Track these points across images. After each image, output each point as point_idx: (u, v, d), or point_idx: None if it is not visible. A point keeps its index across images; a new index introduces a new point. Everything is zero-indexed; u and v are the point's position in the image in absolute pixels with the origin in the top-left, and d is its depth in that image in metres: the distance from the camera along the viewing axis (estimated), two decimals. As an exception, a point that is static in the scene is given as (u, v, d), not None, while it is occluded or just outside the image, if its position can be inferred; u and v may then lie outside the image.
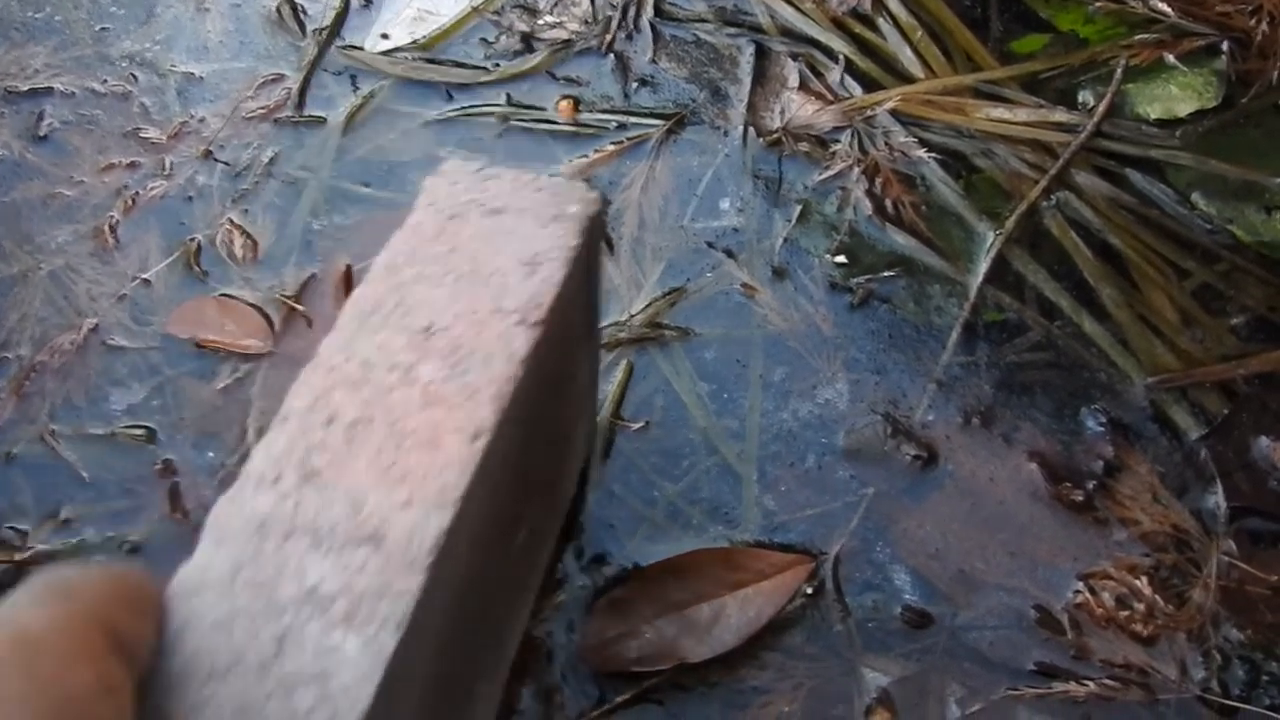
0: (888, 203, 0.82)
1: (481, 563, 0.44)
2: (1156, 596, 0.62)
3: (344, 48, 1.00)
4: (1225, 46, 0.89)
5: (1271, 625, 0.61)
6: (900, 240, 0.80)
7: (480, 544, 0.44)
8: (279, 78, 0.99)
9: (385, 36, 1.02)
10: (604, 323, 0.78)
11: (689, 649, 0.60)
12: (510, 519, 0.49)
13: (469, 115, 0.93)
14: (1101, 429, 0.70)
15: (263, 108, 0.97)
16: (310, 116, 0.95)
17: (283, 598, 0.35)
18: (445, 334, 0.43)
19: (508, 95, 0.94)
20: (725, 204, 0.84)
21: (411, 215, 0.49)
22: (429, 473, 0.39)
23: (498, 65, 0.96)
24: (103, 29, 1.00)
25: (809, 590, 0.62)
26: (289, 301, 0.81)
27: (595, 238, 0.51)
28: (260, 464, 0.39)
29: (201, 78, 1.00)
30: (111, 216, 0.88)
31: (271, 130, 0.95)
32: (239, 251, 0.85)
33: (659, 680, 0.60)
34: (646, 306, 0.78)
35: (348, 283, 0.83)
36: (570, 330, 0.51)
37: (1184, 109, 0.85)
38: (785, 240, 0.81)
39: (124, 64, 1.02)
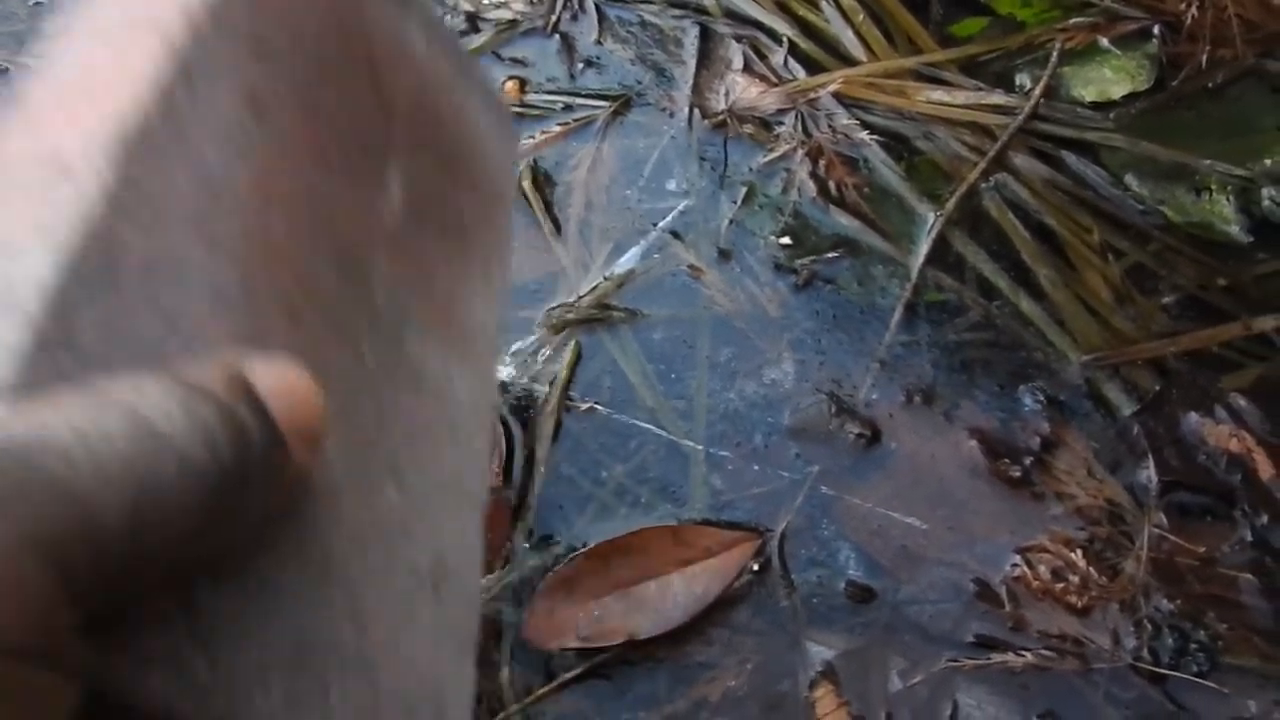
0: (831, 185, 0.83)
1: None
2: (1090, 569, 0.64)
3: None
4: (1157, 30, 0.91)
5: (1200, 595, 0.63)
6: (844, 222, 0.81)
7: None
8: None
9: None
10: (552, 304, 0.78)
11: (637, 625, 0.60)
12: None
13: (413, 95, 0.92)
14: (1038, 406, 0.71)
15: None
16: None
17: None
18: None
19: (452, 75, 0.93)
20: (671, 185, 0.84)
21: None
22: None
23: (442, 45, 0.95)
24: (37, 3, 0.97)
25: (755, 567, 0.63)
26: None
27: None
28: None
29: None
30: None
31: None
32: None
33: (607, 656, 0.61)
34: (594, 288, 0.78)
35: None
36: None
37: (1118, 91, 0.87)
38: (731, 222, 0.81)
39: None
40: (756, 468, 0.69)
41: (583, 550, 0.64)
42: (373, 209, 0.35)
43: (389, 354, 0.34)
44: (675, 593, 0.61)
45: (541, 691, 0.60)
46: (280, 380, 0.20)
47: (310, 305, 0.31)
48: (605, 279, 0.79)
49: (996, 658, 0.60)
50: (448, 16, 0.97)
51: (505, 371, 0.75)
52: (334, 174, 0.34)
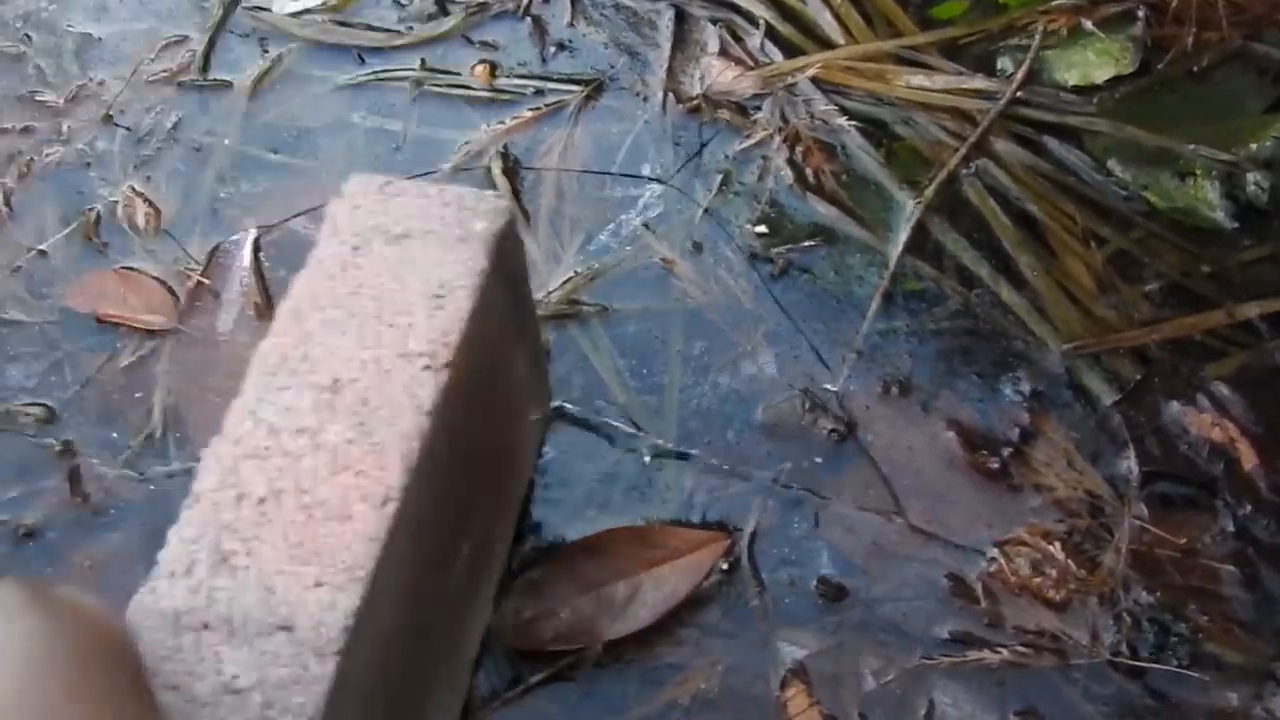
0: (808, 172, 0.81)
1: (414, 599, 0.45)
2: (1069, 561, 0.63)
3: (250, 9, 0.96)
4: (1142, 13, 0.89)
5: (1180, 587, 0.62)
6: (821, 210, 0.79)
7: (411, 586, 0.44)
8: (182, 40, 0.95)
9: (294, -2, 0.98)
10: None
11: (605, 627, 0.59)
12: (450, 540, 0.49)
13: (381, 80, 0.90)
14: (1018, 396, 0.70)
15: (165, 71, 0.92)
16: (216, 80, 0.91)
17: (201, 694, 0.35)
18: (352, 388, 0.43)
19: (422, 60, 0.91)
20: (645, 172, 0.82)
21: (315, 249, 0.48)
22: (338, 548, 0.39)
23: (411, 28, 0.93)
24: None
25: (724, 566, 0.62)
26: (194, 274, 0.78)
27: (508, 252, 0.51)
28: (173, 553, 0.39)
29: (100, 39, 0.95)
30: (5, 184, 0.84)
31: (175, 94, 0.91)
32: (141, 221, 0.82)
33: (575, 659, 0.59)
34: (565, 282, 0.77)
35: (256, 252, 0.79)
36: (494, 340, 0.51)
37: (1101, 75, 0.85)
38: (706, 211, 0.80)
39: (17, 24, 0.96)
40: (728, 465, 0.67)
41: (551, 552, 0.63)
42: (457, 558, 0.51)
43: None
44: (644, 593, 0.59)
45: (508, 695, 0.59)
46: None
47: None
48: (576, 273, 0.77)
49: (972, 655, 0.59)
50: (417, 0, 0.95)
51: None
52: (462, 527, 0.50)
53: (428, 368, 0.44)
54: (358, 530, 0.39)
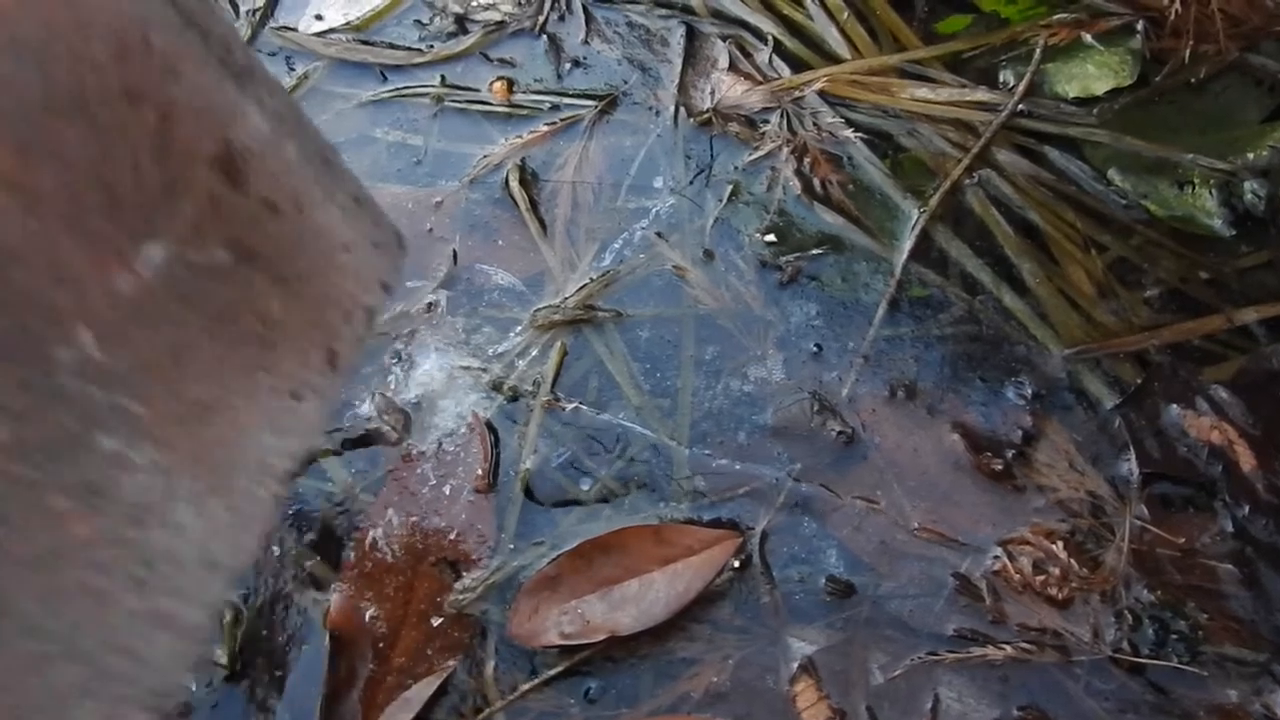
0: (816, 182, 0.83)
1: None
2: (1072, 560, 0.64)
3: (278, 29, 0.99)
4: (1141, 26, 0.91)
5: (1180, 586, 0.64)
6: (828, 219, 0.81)
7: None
8: (207, 60, 0.98)
9: (319, 17, 1.01)
10: (538, 304, 0.79)
11: (619, 623, 0.61)
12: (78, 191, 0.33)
13: (403, 96, 0.92)
14: (1021, 399, 0.72)
15: (191, 91, 0.95)
16: (240, 99, 0.94)
17: None
18: None
19: (442, 76, 0.93)
20: (658, 184, 0.85)
21: None
22: None
23: (431, 46, 0.96)
24: None
25: (736, 564, 0.64)
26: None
27: None
28: None
29: (126, 60, 0.98)
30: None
31: (200, 114, 0.94)
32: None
33: (590, 653, 0.61)
34: (581, 288, 0.79)
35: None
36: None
37: (1101, 87, 0.87)
38: (716, 220, 0.82)
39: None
40: (739, 466, 0.69)
41: (566, 549, 0.65)
42: (96, 274, 0.31)
43: (44, 434, 0.29)
44: (657, 590, 0.61)
45: (525, 688, 0.61)
46: None
47: None
48: (591, 279, 0.79)
49: (977, 651, 0.61)
50: (437, 18, 0.97)
51: (493, 372, 0.75)
52: (50, 217, 0.30)
53: None
54: None
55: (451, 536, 0.67)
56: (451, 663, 0.62)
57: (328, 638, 0.63)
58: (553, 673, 0.61)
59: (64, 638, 0.29)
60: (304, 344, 0.40)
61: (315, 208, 0.42)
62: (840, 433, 0.70)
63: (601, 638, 0.61)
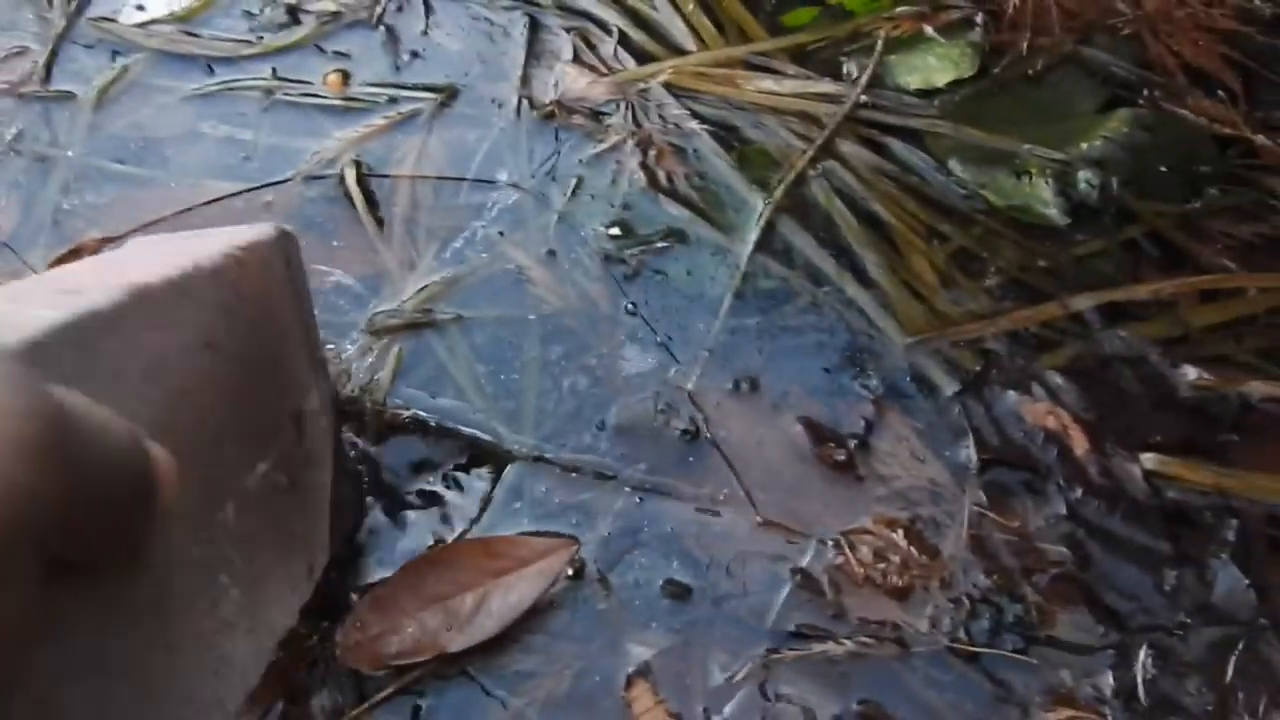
0: (661, 175, 0.82)
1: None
2: (912, 549, 0.64)
3: (95, 20, 0.93)
4: (980, 19, 0.92)
5: (1015, 570, 0.64)
6: (674, 212, 0.80)
7: (189, 422, 0.43)
8: (23, 50, 0.91)
9: (140, 8, 0.95)
10: (376, 308, 0.75)
11: (450, 639, 0.58)
12: (237, 437, 0.48)
13: (231, 89, 0.87)
14: (864, 389, 0.72)
15: (5, 83, 0.88)
16: (58, 91, 0.88)
17: None
18: (152, 260, 0.44)
19: (273, 69, 0.88)
20: (501, 178, 0.82)
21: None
22: (129, 276, 0.39)
23: (262, 38, 0.91)
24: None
25: (571, 572, 0.61)
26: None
27: (287, 246, 0.54)
28: None
29: (-73, 52, 0.91)
30: None
31: (15, 106, 0.87)
32: (-22, 236, 0.78)
33: (421, 673, 0.58)
34: (420, 290, 0.76)
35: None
36: (273, 300, 0.53)
37: (942, 79, 0.88)
38: (561, 215, 0.80)
39: None
40: (579, 469, 0.67)
41: (395, 567, 0.61)
42: (242, 469, 0.47)
43: (208, 560, 0.44)
44: (490, 604, 0.59)
45: (353, 715, 0.57)
46: (163, 456, 0.30)
47: (191, 472, 0.40)
48: (432, 281, 0.76)
49: (817, 647, 0.60)
50: (267, 9, 0.92)
51: (332, 381, 0.71)
52: (233, 424, 0.46)
53: (220, 245, 0.46)
54: None
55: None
56: (271, 695, 0.58)
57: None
58: (383, 695, 0.58)
59: (186, 692, 0.42)
60: (303, 555, 0.55)
61: (324, 468, 0.58)
62: (684, 430, 0.68)
63: (433, 655, 0.58)
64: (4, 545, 0.21)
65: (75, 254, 0.78)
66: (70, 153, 0.84)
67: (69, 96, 0.88)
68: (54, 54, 0.90)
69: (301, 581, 0.57)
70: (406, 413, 0.70)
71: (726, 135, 0.84)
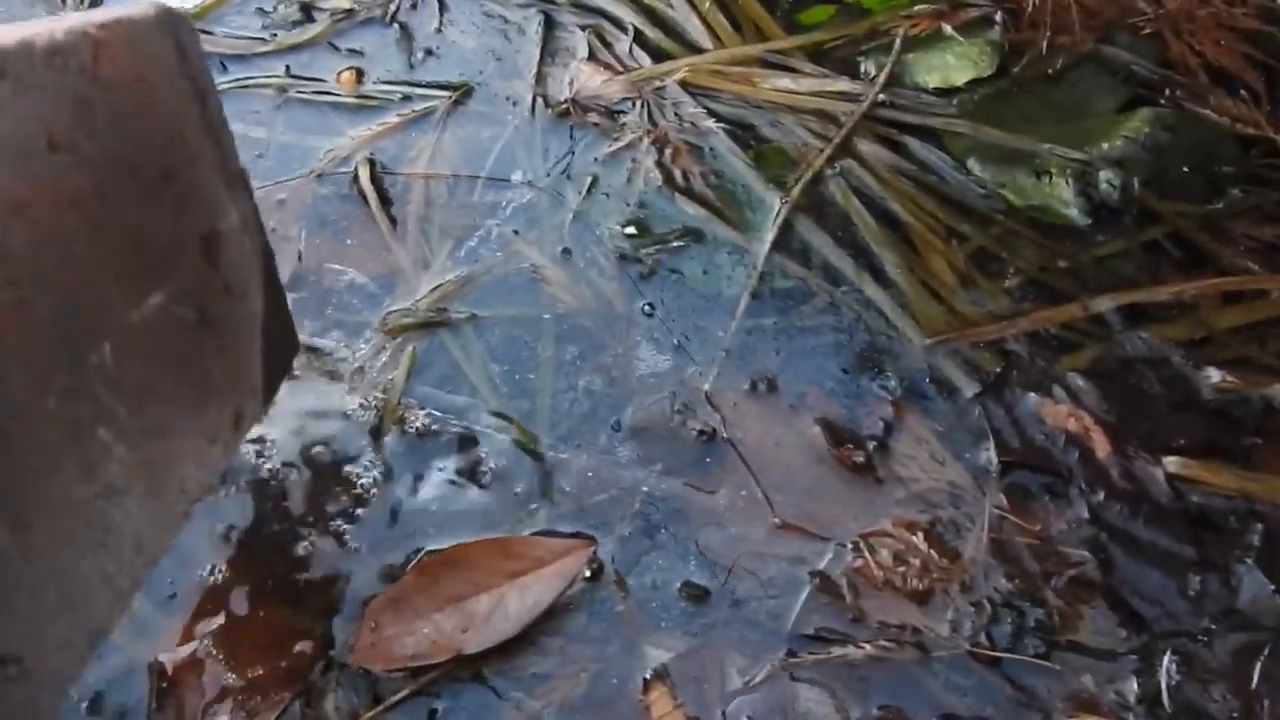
0: (677, 174, 0.81)
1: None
2: (931, 552, 0.63)
3: (107, 17, 0.92)
4: (999, 17, 0.91)
5: (1036, 574, 0.63)
6: (690, 210, 0.79)
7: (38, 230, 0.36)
8: (34, 50, 0.91)
9: (153, 5, 0.94)
10: (390, 307, 0.75)
11: (467, 640, 0.57)
12: (109, 257, 0.41)
13: (245, 87, 0.87)
14: (883, 390, 0.71)
15: (15, 83, 0.88)
16: (70, 91, 0.88)
17: None
18: None
19: (287, 66, 0.88)
20: (515, 177, 0.81)
21: None
22: None
23: (275, 35, 0.90)
24: None
25: (588, 573, 0.61)
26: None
27: (170, 29, 0.46)
28: None
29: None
30: None
31: (25, 107, 0.87)
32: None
33: (437, 674, 0.58)
34: (434, 289, 0.75)
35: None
36: (155, 100, 0.44)
37: (961, 78, 0.88)
38: (576, 214, 0.79)
39: None
40: (597, 470, 0.66)
41: (413, 567, 0.61)
42: (121, 303, 0.41)
43: (76, 413, 0.38)
44: (507, 605, 0.58)
45: (368, 716, 0.57)
46: None
47: (37, 307, 0.35)
48: (446, 280, 0.75)
49: (836, 651, 0.59)
50: (281, 6, 0.92)
51: (345, 380, 0.71)
52: (103, 247, 0.39)
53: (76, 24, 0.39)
54: None
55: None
56: (287, 694, 0.57)
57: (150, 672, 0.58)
58: (397, 698, 0.57)
59: (53, 571, 0.37)
60: (225, 401, 0.49)
61: (251, 297, 0.52)
62: (701, 431, 0.68)
63: (448, 657, 0.57)
64: None
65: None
66: (84, 150, 0.84)
67: (82, 94, 0.87)
68: (68, 51, 0.90)
69: (225, 430, 0.49)
70: (421, 412, 0.69)
71: (743, 134, 0.84)
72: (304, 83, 0.87)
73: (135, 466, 0.41)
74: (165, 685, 0.58)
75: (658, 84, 0.85)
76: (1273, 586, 0.63)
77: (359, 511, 0.65)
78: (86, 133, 0.37)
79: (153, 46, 0.43)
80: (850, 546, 0.64)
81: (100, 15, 0.40)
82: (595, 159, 0.82)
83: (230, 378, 0.49)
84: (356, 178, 0.81)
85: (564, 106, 0.84)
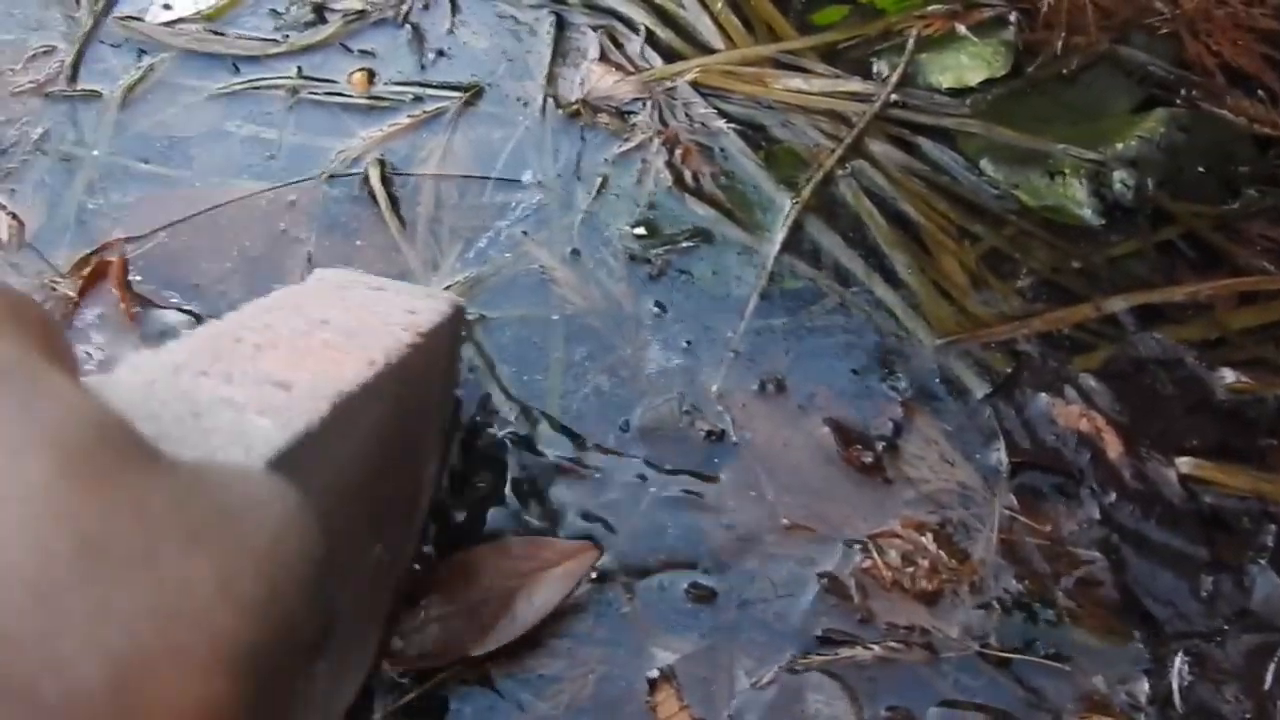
0: (688, 174, 0.81)
1: (345, 549, 0.45)
2: (941, 553, 0.63)
3: (122, 19, 0.93)
4: (1013, 17, 0.91)
5: (1047, 575, 0.63)
6: (700, 211, 0.79)
7: (345, 517, 0.44)
8: (50, 50, 0.91)
9: (167, 7, 0.95)
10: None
11: (473, 643, 0.57)
12: (368, 521, 0.49)
13: (257, 88, 0.87)
14: (893, 391, 0.70)
15: (32, 82, 0.89)
16: (85, 90, 0.88)
17: (201, 399, 0.36)
18: (340, 324, 0.45)
19: (299, 67, 0.88)
20: (526, 178, 0.81)
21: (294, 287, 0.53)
22: (329, 368, 0.41)
23: (287, 36, 0.91)
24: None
25: (594, 575, 0.61)
26: (60, 285, 0.75)
27: (458, 324, 0.57)
28: (165, 357, 0.39)
29: (-42, 53, 0.91)
30: None
31: (42, 105, 0.88)
32: (4, 234, 0.79)
33: (444, 676, 0.58)
34: (444, 289, 0.75)
35: (122, 266, 0.77)
36: (432, 388, 0.55)
37: (974, 78, 0.87)
38: (586, 215, 0.79)
39: None
40: (605, 471, 0.66)
41: (415, 570, 0.61)
42: (368, 543, 0.50)
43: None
44: (514, 607, 0.58)
45: (373, 719, 0.57)
46: None
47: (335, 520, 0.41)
48: (455, 281, 0.76)
49: (844, 652, 0.59)
50: (293, 7, 0.93)
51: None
52: (368, 504, 0.48)
53: (406, 330, 0.48)
54: (345, 369, 0.41)
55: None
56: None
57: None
58: (403, 701, 0.57)
59: None
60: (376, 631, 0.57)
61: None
62: (709, 432, 0.68)
63: (454, 659, 0.57)
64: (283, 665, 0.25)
65: (100, 253, 0.78)
66: (96, 152, 0.84)
67: (95, 96, 0.88)
68: (81, 53, 0.91)
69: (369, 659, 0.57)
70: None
71: (754, 134, 0.83)
72: (316, 84, 0.87)
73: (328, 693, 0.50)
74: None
75: (669, 84, 0.85)
76: (1288, 590, 0.62)
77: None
78: (393, 425, 0.47)
79: (441, 349, 0.54)
80: (859, 547, 0.63)
81: (422, 320, 0.50)
82: (605, 159, 0.82)
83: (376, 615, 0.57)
84: (367, 179, 0.81)
85: (575, 107, 0.84)
